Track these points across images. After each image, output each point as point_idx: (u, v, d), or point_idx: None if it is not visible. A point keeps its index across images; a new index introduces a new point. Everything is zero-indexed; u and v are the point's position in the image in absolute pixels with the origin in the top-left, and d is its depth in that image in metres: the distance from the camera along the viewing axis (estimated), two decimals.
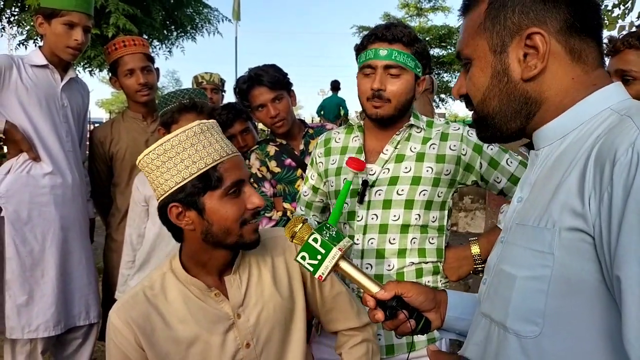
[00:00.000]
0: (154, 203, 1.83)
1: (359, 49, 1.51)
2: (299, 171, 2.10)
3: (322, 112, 9.85)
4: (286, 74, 2.11)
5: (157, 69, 2.44)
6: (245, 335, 1.17)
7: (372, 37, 1.46)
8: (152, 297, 1.16)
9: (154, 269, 1.55)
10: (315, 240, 1.04)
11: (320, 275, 1.04)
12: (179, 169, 1.06)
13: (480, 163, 1.49)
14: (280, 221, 2.10)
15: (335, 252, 1.03)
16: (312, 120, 12.36)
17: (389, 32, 1.43)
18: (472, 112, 0.88)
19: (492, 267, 0.85)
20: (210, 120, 1.14)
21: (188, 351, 1.14)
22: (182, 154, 1.06)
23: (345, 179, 1.48)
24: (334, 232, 1.07)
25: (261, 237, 1.19)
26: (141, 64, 2.28)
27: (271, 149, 2.13)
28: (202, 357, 1.15)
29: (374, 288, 1.02)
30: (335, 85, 10.03)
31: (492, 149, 1.49)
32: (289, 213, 2.09)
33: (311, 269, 1.04)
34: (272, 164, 2.12)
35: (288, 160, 2.11)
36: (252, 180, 2.13)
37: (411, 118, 1.54)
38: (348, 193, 1.44)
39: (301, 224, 1.08)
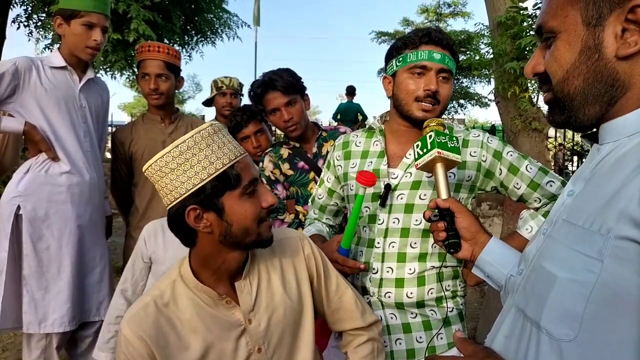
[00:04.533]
0: (160, 266, 1.66)
1: (405, 47, 1.46)
2: (312, 174, 2.10)
3: (338, 117, 9.79)
4: (300, 78, 2.12)
5: (182, 78, 2.49)
6: (257, 340, 1.17)
7: (425, 37, 1.43)
8: (163, 306, 1.13)
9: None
10: (429, 136, 1.25)
11: (417, 164, 1.27)
12: (196, 170, 1.03)
13: (500, 169, 1.48)
14: (292, 224, 2.10)
15: (433, 153, 1.22)
16: (329, 125, 12.28)
17: (443, 37, 1.44)
18: (546, 92, 0.82)
19: (530, 259, 0.83)
20: (217, 122, 1.14)
21: None
22: (198, 154, 1.04)
23: (356, 192, 1.48)
24: (452, 144, 1.25)
25: (274, 237, 1.18)
26: (157, 70, 2.33)
27: (284, 152, 2.15)
28: None
29: (443, 195, 1.23)
30: (351, 91, 9.84)
31: (511, 155, 1.48)
32: (301, 216, 2.10)
33: (416, 155, 1.28)
34: (285, 167, 2.13)
35: (301, 163, 2.12)
36: (265, 182, 2.14)
37: None
38: (360, 209, 1.44)
39: (436, 123, 1.30)
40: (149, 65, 2.33)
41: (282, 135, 2.27)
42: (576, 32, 0.74)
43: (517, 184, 1.48)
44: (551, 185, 1.47)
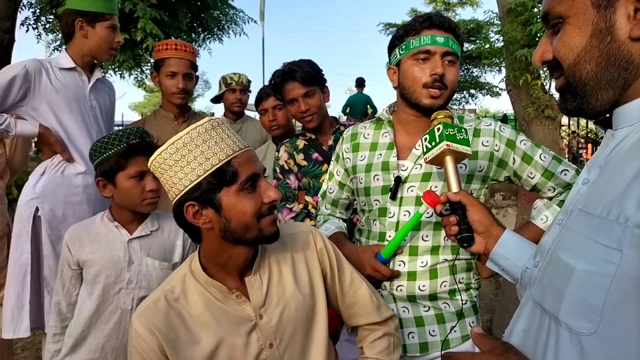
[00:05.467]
0: (90, 269, 1.60)
1: (407, 35, 1.44)
2: (325, 166, 2.11)
3: (348, 110, 9.76)
4: (320, 70, 2.13)
5: (197, 76, 2.52)
6: (268, 336, 1.16)
7: (426, 22, 1.41)
8: (174, 301, 1.14)
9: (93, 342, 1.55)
10: (437, 129, 1.22)
11: (425, 157, 1.25)
12: (193, 167, 1.03)
13: (514, 158, 1.45)
14: (300, 214, 2.12)
15: (442, 145, 1.19)
16: (339, 118, 12.27)
17: (444, 19, 1.41)
18: (558, 79, 0.80)
19: (546, 251, 0.81)
20: (220, 117, 1.13)
21: (212, 355, 1.12)
22: (194, 151, 1.03)
23: (407, 210, 1.45)
24: (461, 136, 1.22)
25: (280, 234, 1.17)
26: (185, 70, 2.35)
27: (300, 143, 2.18)
28: (228, 359, 1.13)
29: (453, 189, 1.20)
30: (361, 82, 9.89)
31: (525, 144, 1.45)
32: (310, 207, 2.11)
33: (424, 149, 1.25)
34: (300, 157, 2.15)
35: (315, 155, 2.14)
36: (278, 171, 2.18)
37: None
38: (415, 225, 1.41)
39: (444, 115, 1.27)
40: (176, 64, 2.33)
41: (300, 127, 2.29)
42: (586, 16, 0.72)
43: (531, 173, 1.45)
44: (565, 174, 1.44)
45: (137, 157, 1.57)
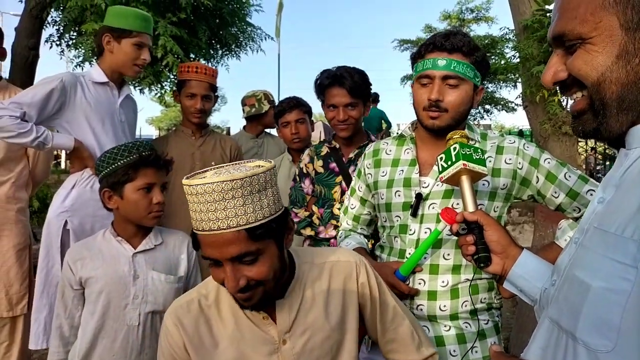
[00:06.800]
0: (94, 287, 1.57)
1: (416, 58, 1.47)
2: (339, 178, 2.10)
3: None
4: (370, 84, 2.10)
5: (217, 96, 2.61)
6: None
7: (430, 46, 1.42)
8: (206, 307, 1.16)
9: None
10: (454, 149, 1.22)
11: (441, 177, 1.25)
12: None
13: (537, 177, 1.43)
14: (303, 221, 2.10)
15: (458, 165, 1.19)
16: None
17: (447, 41, 1.40)
18: (577, 99, 0.79)
19: (562, 269, 0.81)
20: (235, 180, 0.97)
21: None
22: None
23: (428, 228, 1.45)
24: (477, 156, 1.22)
25: (324, 259, 1.19)
26: (204, 92, 2.45)
27: (324, 150, 2.18)
28: None
29: (470, 208, 1.19)
30: (375, 98, 9.90)
31: (549, 162, 1.43)
32: (314, 217, 2.09)
33: (440, 168, 1.25)
34: (318, 164, 2.15)
35: (333, 164, 2.13)
36: (297, 173, 2.20)
37: (465, 129, 1.49)
38: (433, 242, 1.41)
39: (460, 135, 1.28)
40: (196, 86, 2.44)
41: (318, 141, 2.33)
42: (612, 37, 0.72)
43: (555, 192, 1.43)
44: (592, 194, 1.40)
45: (146, 169, 1.58)
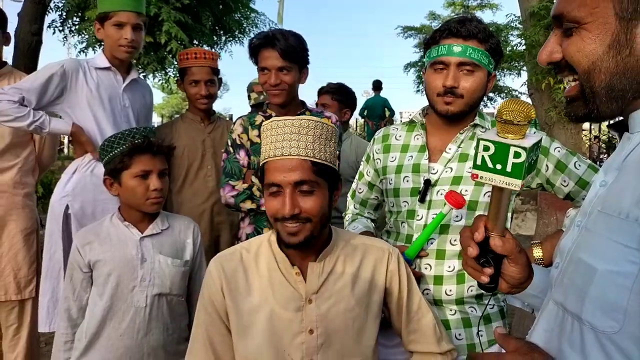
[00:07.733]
0: (102, 269, 1.61)
1: (429, 44, 1.47)
2: None
3: (365, 113, 9.76)
4: (306, 49, 1.95)
5: (221, 79, 2.57)
6: (311, 322, 1.19)
7: (445, 32, 1.42)
8: (246, 258, 1.26)
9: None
10: (517, 154, 0.81)
11: (475, 174, 0.87)
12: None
13: (547, 165, 1.43)
14: (242, 194, 1.94)
15: (515, 183, 0.83)
16: (356, 122, 12.29)
17: (463, 27, 1.39)
18: (570, 84, 0.79)
19: (565, 252, 0.81)
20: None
21: (258, 315, 1.20)
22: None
23: (435, 213, 1.44)
24: (530, 160, 0.85)
25: (359, 241, 1.26)
26: (206, 77, 2.41)
27: (258, 119, 2.05)
28: (269, 326, 1.20)
29: (498, 229, 0.91)
30: (378, 85, 9.85)
31: (559, 151, 1.43)
32: (254, 188, 1.95)
33: (479, 161, 0.86)
34: (253, 133, 2.02)
35: None
36: (229, 144, 2.05)
37: (476, 117, 1.50)
38: (438, 226, 1.42)
39: (524, 117, 0.82)
40: (198, 72, 2.39)
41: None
42: (606, 25, 0.72)
43: (565, 181, 1.43)
44: None
45: (141, 156, 1.59)
